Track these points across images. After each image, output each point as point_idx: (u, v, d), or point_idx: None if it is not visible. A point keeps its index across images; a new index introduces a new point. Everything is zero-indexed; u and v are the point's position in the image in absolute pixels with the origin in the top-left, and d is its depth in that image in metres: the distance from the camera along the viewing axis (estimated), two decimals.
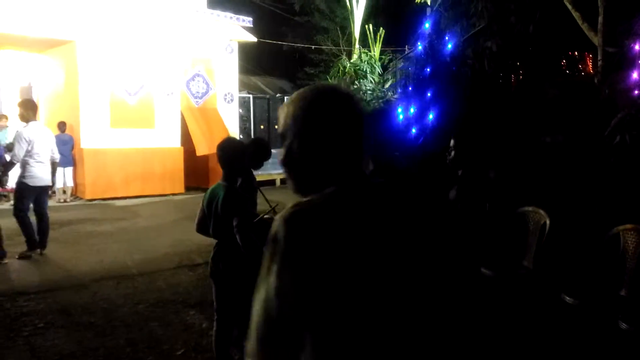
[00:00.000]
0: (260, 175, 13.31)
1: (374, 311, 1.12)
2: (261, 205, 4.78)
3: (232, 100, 12.51)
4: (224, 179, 3.35)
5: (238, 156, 3.39)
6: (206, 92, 11.87)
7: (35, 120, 6.42)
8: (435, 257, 1.33)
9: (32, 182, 6.27)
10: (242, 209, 3.26)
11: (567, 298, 3.95)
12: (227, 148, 3.38)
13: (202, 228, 3.45)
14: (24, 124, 6.32)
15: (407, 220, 1.27)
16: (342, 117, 1.22)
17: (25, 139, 6.21)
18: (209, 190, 3.42)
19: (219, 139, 9.77)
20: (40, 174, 6.32)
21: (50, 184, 6.60)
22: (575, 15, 7.38)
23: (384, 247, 1.16)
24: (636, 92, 4.00)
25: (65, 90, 10.68)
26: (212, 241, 3.49)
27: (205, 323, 4.52)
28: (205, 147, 11.16)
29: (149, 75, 10.97)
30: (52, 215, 6.81)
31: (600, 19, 6.74)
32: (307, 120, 1.21)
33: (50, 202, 6.82)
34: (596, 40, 7.05)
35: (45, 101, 11.33)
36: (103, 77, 10.39)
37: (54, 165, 6.60)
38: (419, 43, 6.28)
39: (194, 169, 11.94)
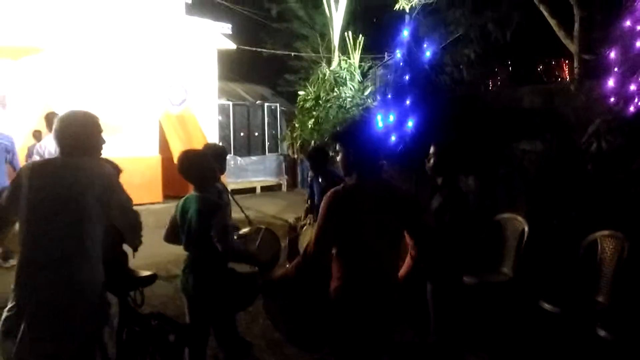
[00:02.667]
0: (240, 182, 13.19)
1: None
2: (237, 213, 4.70)
3: (211, 107, 12.39)
4: (196, 190, 3.29)
5: (201, 167, 3.31)
6: (184, 100, 11.71)
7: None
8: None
9: None
10: (220, 217, 3.18)
11: (546, 305, 3.96)
12: (186, 163, 3.32)
13: (170, 237, 3.40)
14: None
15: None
16: None
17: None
18: (181, 201, 3.34)
19: (197, 146, 9.69)
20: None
21: None
22: (552, 22, 7.46)
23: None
24: (612, 99, 4.03)
25: (38, 98, 10.45)
26: None
27: None
28: None
29: (125, 82, 10.80)
30: None
31: (576, 26, 6.83)
32: None
33: None
34: (573, 47, 7.13)
35: (19, 109, 11.08)
36: (77, 84, 10.19)
37: None
38: (397, 51, 6.27)
39: (172, 177, 11.75)
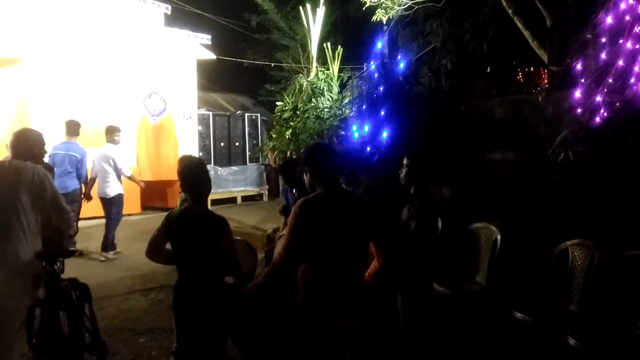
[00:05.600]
0: (221, 193, 13.10)
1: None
2: None
3: (190, 117, 12.35)
4: (193, 203, 3.08)
5: (205, 177, 3.14)
6: (163, 110, 11.66)
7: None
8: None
9: None
10: (229, 234, 3.07)
11: (518, 314, 3.99)
12: (193, 170, 3.12)
13: (155, 254, 3.15)
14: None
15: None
16: None
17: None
18: (174, 216, 3.09)
19: (166, 162, 9.77)
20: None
21: (103, 195, 7.65)
22: (526, 34, 7.58)
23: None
24: (579, 110, 4.09)
25: (16, 109, 10.34)
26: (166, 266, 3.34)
27: (154, 351, 4.37)
28: (149, 173, 11.26)
29: (104, 93, 10.73)
30: None
31: (551, 37, 6.94)
32: None
33: None
34: (546, 58, 7.25)
35: None
36: (55, 95, 10.10)
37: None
38: (371, 62, 6.32)
39: (151, 187, 11.69)
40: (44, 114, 9.98)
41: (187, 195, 3.18)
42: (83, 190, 7.65)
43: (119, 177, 7.66)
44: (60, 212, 3.61)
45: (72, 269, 4.42)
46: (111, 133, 7.85)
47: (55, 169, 7.21)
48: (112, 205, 7.66)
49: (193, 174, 3.11)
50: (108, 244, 7.58)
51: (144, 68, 11.30)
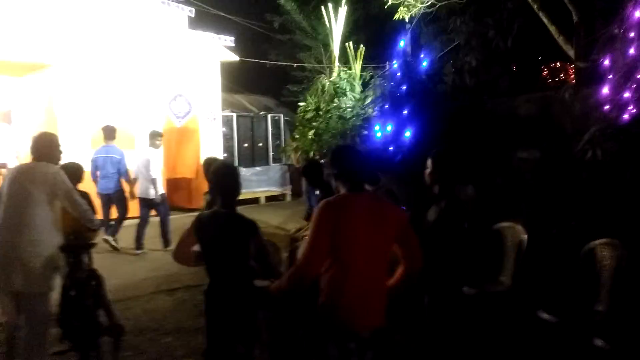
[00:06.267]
0: (244, 193, 13.07)
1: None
2: None
3: (215, 119, 12.46)
4: (223, 205, 3.05)
5: (239, 182, 3.13)
6: (188, 112, 11.79)
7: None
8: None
9: None
10: (259, 237, 3.04)
11: (544, 315, 3.92)
12: (229, 176, 3.14)
13: (183, 256, 3.11)
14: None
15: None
16: None
17: None
18: (203, 218, 3.08)
19: (190, 164, 9.99)
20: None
21: (144, 196, 8.03)
22: (552, 29, 7.44)
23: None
24: (606, 107, 4.01)
25: (45, 113, 10.58)
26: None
27: (180, 351, 4.43)
28: (174, 173, 11.58)
29: (130, 97, 10.89)
30: None
31: (578, 33, 6.80)
32: None
33: None
34: (572, 53, 7.11)
35: (25, 125, 11.21)
36: (81, 99, 10.29)
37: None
38: (394, 61, 6.29)
39: (176, 188, 11.83)
40: (71, 118, 10.20)
41: (215, 198, 3.18)
42: (127, 189, 8.11)
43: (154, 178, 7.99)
44: (76, 206, 3.87)
45: (100, 269, 4.50)
46: (152, 138, 8.33)
47: (98, 172, 8.08)
48: (157, 206, 8.14)
49: (229, 180, 3.12)
50: (168, 241, 7.95)
51: (169, 71, 11.43)
